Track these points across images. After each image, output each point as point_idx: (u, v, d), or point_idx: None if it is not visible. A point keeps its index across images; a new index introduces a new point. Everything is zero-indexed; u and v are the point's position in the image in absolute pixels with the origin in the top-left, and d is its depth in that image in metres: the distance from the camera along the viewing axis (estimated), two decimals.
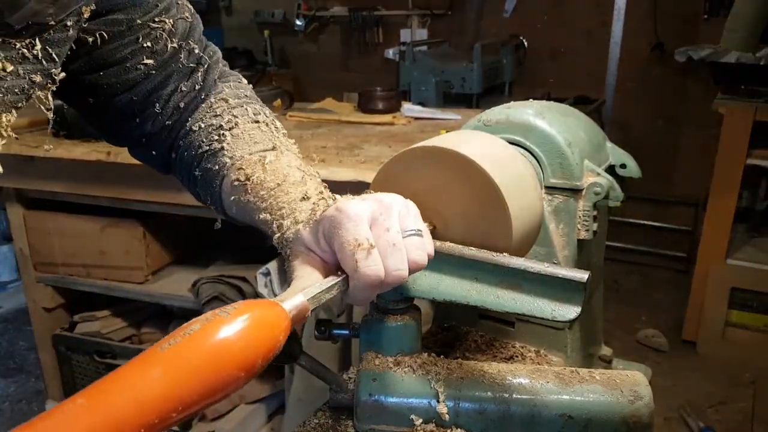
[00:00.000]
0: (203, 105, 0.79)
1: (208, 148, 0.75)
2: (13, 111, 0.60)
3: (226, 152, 0.74)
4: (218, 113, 0.77)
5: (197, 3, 4.15)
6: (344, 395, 0.71)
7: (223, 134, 0.75)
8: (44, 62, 0.60)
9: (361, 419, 0.69)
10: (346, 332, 0.74)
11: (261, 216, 0.67)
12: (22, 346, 3.01)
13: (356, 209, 0.57)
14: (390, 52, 4.14)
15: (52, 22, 0.58)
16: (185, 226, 2.22)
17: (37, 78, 0.60)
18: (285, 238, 0.63)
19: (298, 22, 4.52)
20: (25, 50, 0.58)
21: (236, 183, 0.71)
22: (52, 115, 0.64)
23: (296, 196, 0.65)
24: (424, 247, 0.59)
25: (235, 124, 0.76)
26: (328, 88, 3.27)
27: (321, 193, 0.67)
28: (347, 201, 0.59)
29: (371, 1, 4.30)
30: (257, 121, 0.78)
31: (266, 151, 0.73)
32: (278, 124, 0.81)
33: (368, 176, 1.62)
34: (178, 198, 1.87)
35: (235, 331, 0.43)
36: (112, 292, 2.20)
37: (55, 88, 0.64)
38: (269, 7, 4.61)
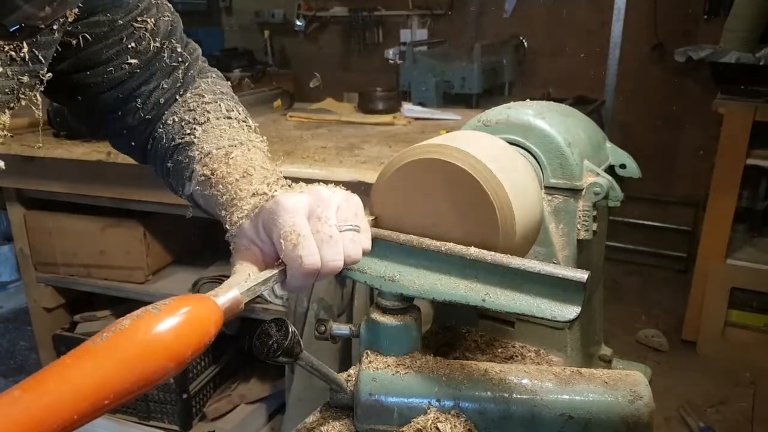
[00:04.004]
0: (179, 99, 0.81)
1: (180, 141, 0.77)
2: (6, 111, 0.62)
3: (196, 146, 0.75)
4: (192, 108, 0.79)
5: (198, 4, 4.10)
6: (344, 395, 0.72)
7: (194, 128, 0.77)
8: (31, 64, 0.62)
9: (361, 419, 0.69)
10: (346, 332, 0.74)
11: (219, 211, 0.69)
12: (22, 346, 3.01)
13: (294, 201, 0.59)
14: (390, 52, 4.14)
15: (43, 26, 0.59)
16: (185, 226, 2.22)
17: (25, 79, 0.62)
18: (231, 234, 0.65)
19: (298, 23, 4.52)
20: (12, 53, 0.60)
21: (202, 177, 0.72)
22: (39, 114, 0.67)
23: (248, 193, 0.67)
24: (360, 241, 0.62)
25: (207, 119, 0.78)
26: (328, 88, 3.27)
27: (269, 189, 0.67)
28: (286, 194, 0.61)
29: (371, 2, 4.29)
30: (229, 117, 0.80)
31: (233, 147, 0.75)
32: (251, 122, 0.82)
33: (368, 176, 1.62)
34: (178, 198, 1.86)
35: (164, 326, 0.47)
36: (113, 292, 2.20)
37: (42, 89, 0.66)
38: (269, 7, 4.61)
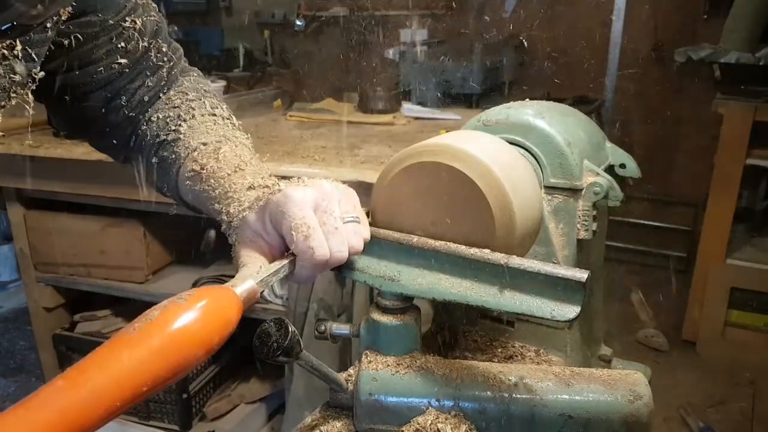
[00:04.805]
0: (163, 97, 0.81)
1: (165, 137, 0.78)
2: None
3: (182, 141, 0.76)
4: (176, 105, 0.80)
5: (198, 3, 4.10)
6: (344, 395, 0.72)
7: (179, 124, 0.78)
8: (23, 62, 0.62)
9: (361, 419, 0.69)
10: (346, 332, 0.74)
11: (212, 205, 0.69)
12: (22, 346, 3.01)
13: (302, 194, 0.61)
14: (390, 52, 4.14)
15: (34, 24, 0.60)
16: (185, 226, 2.22)
17: (17, 77, 0.63)
18: (232, 226, 0.66)
19: (298, 23, 4.52)
20: (5, 51, 0.60)
21: (191, 172, 0.73)
22: (31, 113, 0.67)
23: (243, 186, 0.68)
24: (360, 232, 0.64)
25: (192, 116, 0.78)
26: (328, 88, 3.27)
27: (266, 182, 0.69)
28: (292, 187, 0.62)
29: (371, 2, 4.29)
30: (214, 114, 0.80)
31: (221, 143, 0.75)
32: (234, 120, 0.83)
33: (368, 176, 1.62)
34: None
35: (192, 314, 0.50)
36: (113, 292, 2.20)
37: (34, 87, 0.66)
38: (269, 7, 4.61)
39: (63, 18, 0.66)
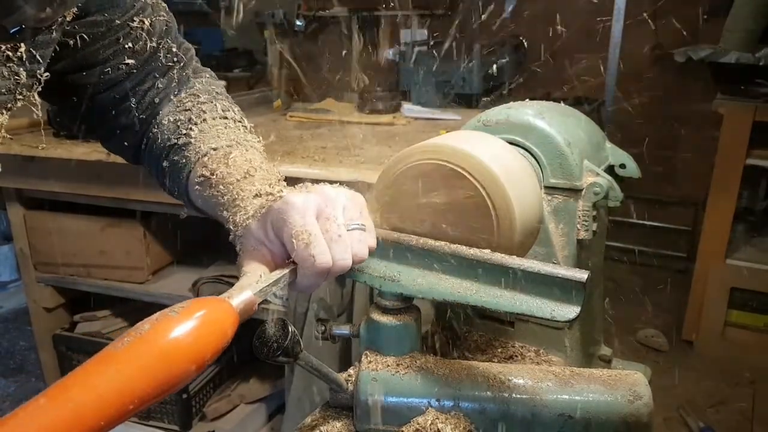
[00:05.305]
0: (174, 99, 0.81)
1: (176, 141, 0.77)
2: (4, 112, 0.62)
3: (193, 146, 0.75)
4: (188, 107, 0.79)
5: (197, 3, 4.09)
6: (344, 395, 0.72)
7: (191, 128, 0.77)
8: (28, 63, 0.62)
9: (360, 419, 0.69)
10: (346, 332, 0.74)
11: (221, 212, 0.68)
12: (22, 346, 3.01)
13: (303, 201, 0.60)
14: (390, 52, 4.13)
15: (43, 27, 0.60)
16: (185, 226, 2.22)
17: (23, 79, 0.62)
18: (236, 235, 0.65)
19: (298, 23, 4.52)
20: (9, 52, 0.60)
21: (201, 177, 0.72)
22: (39, 115, 0.67)
23: (251, 194, 0.66)
24: (365, 240, 0.62)
25: (204, 119, 0.78)
26: (328, 88, 3.27)
27: (270, 189, 0.67)
28: (294, 193, 0.61)
29: (371, 2, 4.29)
30: (225, 118, 0.79)
31: (231, 147, 0.74)
32: (246, 123, 0.82)
33: (368, 176, 1.62)
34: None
35: (183, 329, 0.47)
36: (113, 292, 2.20)
37: (40, 89, 0.66)
38: (269, 7, 4.60)
39: (68, 19, 0.66)
